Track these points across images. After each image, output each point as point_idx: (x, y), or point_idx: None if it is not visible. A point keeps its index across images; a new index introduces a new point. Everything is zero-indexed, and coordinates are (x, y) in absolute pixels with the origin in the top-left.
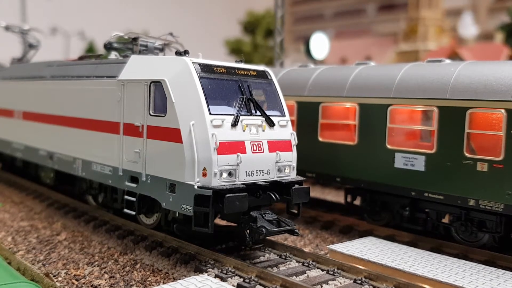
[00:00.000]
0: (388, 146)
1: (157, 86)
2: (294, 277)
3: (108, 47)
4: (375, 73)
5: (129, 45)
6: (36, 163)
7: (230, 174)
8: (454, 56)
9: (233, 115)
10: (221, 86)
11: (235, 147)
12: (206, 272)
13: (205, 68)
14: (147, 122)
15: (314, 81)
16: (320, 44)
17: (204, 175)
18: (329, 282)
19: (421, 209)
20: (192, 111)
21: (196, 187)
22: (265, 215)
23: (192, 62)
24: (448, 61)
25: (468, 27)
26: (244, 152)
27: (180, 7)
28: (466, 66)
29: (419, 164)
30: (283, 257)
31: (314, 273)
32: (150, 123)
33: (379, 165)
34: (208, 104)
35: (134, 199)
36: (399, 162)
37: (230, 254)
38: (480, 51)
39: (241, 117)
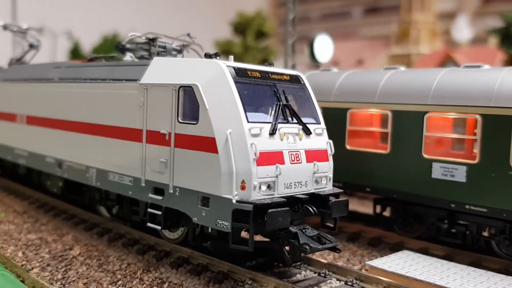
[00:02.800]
0: (425, 156)
1: (187, 91)
2: None
3: (120, 47)
4: (409, 78)
5: (145, 46)
6: (41, 170)
7: (269, 186)
8: (448, 60)
9: (270, 123)
10: (257, 91)
11: (274, 158)
12: None
13: (240, 72)
14: (175, 129)
15: (340, 86)
16: (324, 46)
17: (243, 188)
18: None
19: (459, 221)
20: (228, 118)
21: (234, 201)
22: (305, 231)
23: (227, 66)
24: (487, 66)
25: (463, 31)
26: (282, 163)
27: (169, 7)
28: (510, 72)
29: (460, 175)
30: (323, 275)
31: None
32: (179, 131)
33: (415, 175)
34: (245, 111)
35: (159, 212)
36: (437, 172)
37: (265, 272)
38: (475, 55)
39: (279, 125)
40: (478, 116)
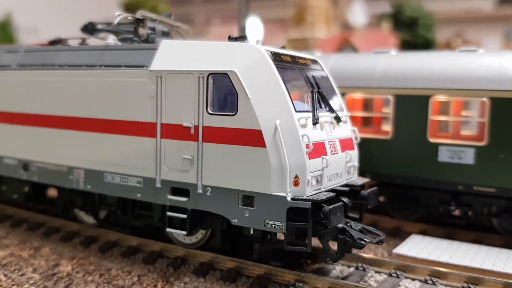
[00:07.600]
0: (430, 140)
1: (219, 79)
2: None
3: (90, 28)
4: (409, 62)
5: (126, 27)
6: None
7: (317, 181)
8: (347, 44)
9: (309, 111)
10: (292, 77)
11: (320, 149)
12: None
13: (276, 57)
14: (203, 122)
15: (332, 71)
16: (254, 28)
17: (296, 184)
18: None
19: (463, 203)
20: (273, 108)
21: (289, 199)
22: (350, 225)
23: (265, 50)
24: (481, 50)
25: (358, 15)
26: (326, 154)
27: None
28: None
29: (468, 157)
30: (361, 268)
31: (409, 284)
32: (209, 124)
33: (420, 159)
34: (291, 100)
35: (184, 216)
36: (444, 155)
37: (308, 272)
38: (371, 39)
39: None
40: (485, 99)
